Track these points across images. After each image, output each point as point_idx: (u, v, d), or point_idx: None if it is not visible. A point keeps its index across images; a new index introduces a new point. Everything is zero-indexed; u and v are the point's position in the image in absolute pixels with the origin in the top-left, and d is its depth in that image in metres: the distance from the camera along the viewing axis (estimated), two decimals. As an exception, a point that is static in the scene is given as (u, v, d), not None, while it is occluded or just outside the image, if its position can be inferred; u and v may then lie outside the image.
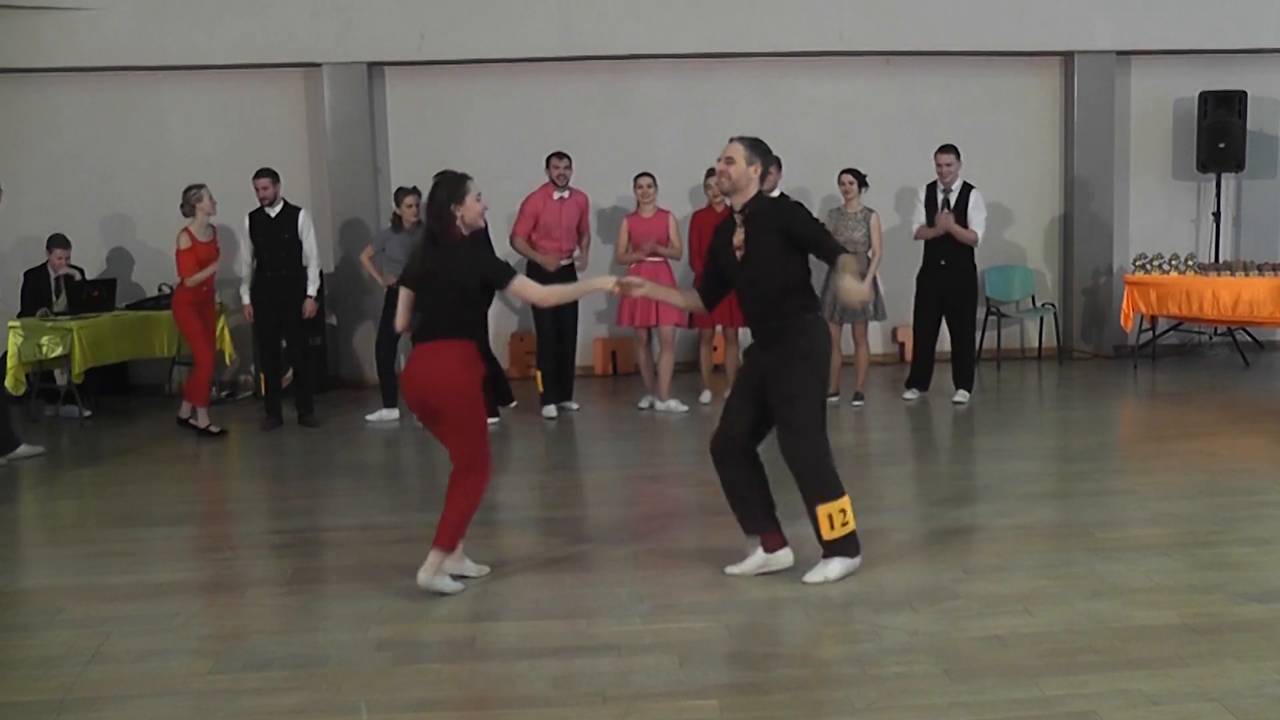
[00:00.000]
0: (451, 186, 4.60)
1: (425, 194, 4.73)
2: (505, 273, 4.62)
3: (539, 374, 8.69)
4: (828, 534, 4.59)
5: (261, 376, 9.03)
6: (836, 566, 4.63)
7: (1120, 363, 10.44)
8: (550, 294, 4.97)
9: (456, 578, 4.70)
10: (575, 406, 8.83)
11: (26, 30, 9.83)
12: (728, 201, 4.79)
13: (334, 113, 10.16)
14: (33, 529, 6.17)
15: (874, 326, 9.30)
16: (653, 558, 5.04)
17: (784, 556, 4.75)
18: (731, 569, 4.75)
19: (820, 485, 4.57)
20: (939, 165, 8.48)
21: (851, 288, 4.38)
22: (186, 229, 8.13)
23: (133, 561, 5.26)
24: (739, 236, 4.66)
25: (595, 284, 5.03)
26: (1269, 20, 10.42)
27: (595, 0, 10.10)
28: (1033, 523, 5.44)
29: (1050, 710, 3.41)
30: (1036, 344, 10.82)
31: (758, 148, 4.71)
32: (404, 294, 4.72)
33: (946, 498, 6.06)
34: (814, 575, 4.62)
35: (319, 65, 10.12)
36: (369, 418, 8.67)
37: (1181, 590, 4.41)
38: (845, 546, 4.64)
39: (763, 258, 4.59)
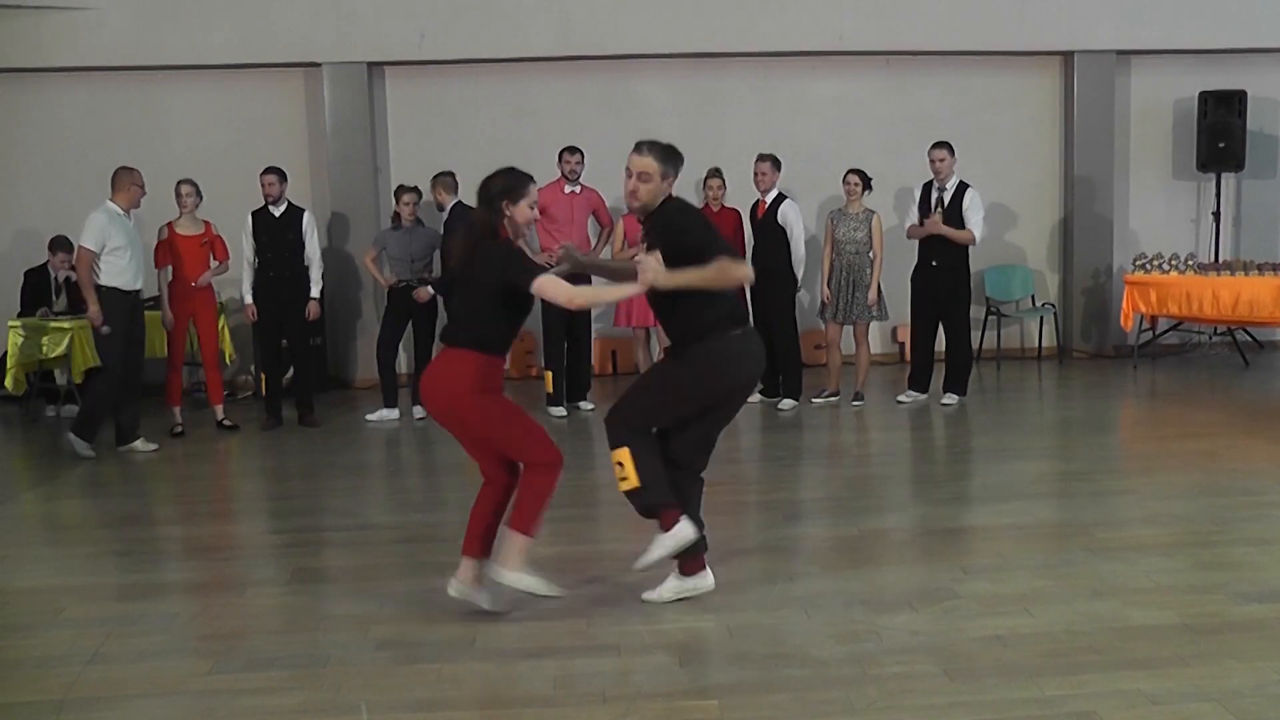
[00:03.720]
0: (512, 180, 4.23)
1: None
2: (530, 271, 4.11)
3: (549, 374, 8.66)
4: (621, 486, 4.30)
5: (262, 376, 9.03)
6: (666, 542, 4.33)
7: (1120, 363, 10.44)
8: (577, 295, 4.18)
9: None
10: (591, 407, 8.76)
11: (26, 30, 9.83)
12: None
13: (334, 113, 10.16)
14: (33, 529, 6.17)
15: (874, 326, 9.30)
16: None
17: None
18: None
19: (614, 435, 4.30)
20: (933, 161, 8.46)
21: (655, 274, 4.07)
22: (169, 221, 8.22)
23: (133, 561, 5.26)
24: (642, 247, 4.51)
25: (625, 289, 4.27)
26: (1269, 20, 10.41)
27: (595, 0, 10.10)
28: (1033, 523, 5.44)
29: (1050, 710, 3.41)
30: (1036, 344, 10.82)
31: (670, 158, 4.30)
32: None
33: (946, 498, 6.05)
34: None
35: (319, 65, 10.12)
36: (369, 417, 8.67)
37: (1181, 590, 4.40)
38: (639, 496, 4.31)
39: None
